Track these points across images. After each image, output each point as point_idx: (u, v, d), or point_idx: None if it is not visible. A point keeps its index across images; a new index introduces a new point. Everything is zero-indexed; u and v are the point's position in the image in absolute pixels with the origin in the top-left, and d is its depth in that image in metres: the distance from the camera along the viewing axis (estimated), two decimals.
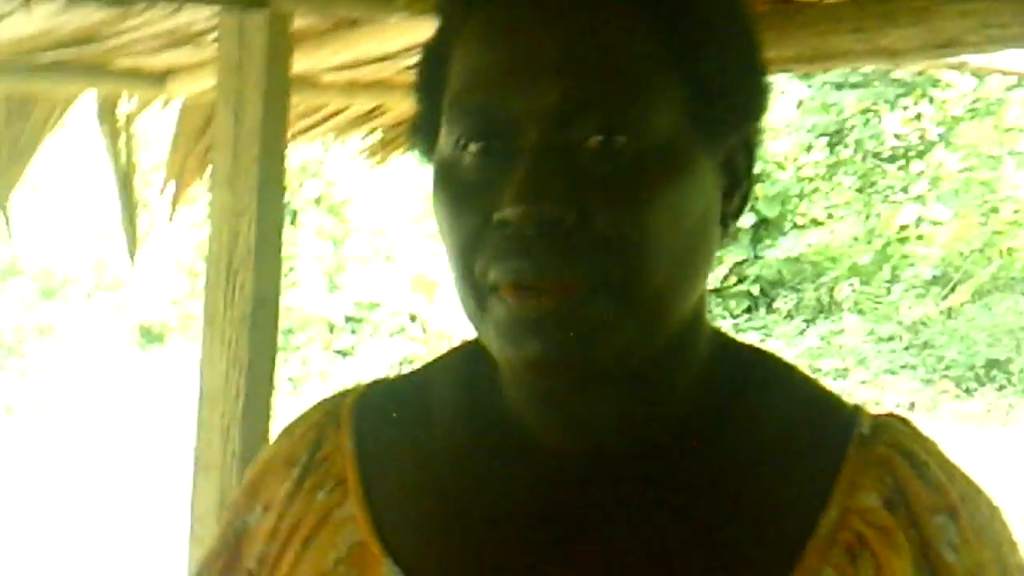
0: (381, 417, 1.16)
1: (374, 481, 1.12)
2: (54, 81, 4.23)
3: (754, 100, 1.07)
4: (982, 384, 13.24)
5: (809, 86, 15.09)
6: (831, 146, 15.63)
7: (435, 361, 1.20)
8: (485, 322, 1.01)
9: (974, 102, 14.99)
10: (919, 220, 14.95)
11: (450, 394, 1.14)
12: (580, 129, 0.97)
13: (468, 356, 1.13)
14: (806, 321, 14.80)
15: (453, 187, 1.01)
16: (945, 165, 15.04)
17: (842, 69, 10.41)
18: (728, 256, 15.02)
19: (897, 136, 15.44)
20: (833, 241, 15.24)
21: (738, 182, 1.07)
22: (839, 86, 14.96)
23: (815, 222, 15.58)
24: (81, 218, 13.39)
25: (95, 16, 3.55)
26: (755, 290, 15.30)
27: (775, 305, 15.20)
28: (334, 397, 1.21)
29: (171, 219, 5.18)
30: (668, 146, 0.99)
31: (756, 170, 1.09)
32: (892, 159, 15.48)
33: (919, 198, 15.12)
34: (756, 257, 15.28)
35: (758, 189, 14.79)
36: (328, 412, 1.19)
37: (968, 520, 1.06)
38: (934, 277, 14.52)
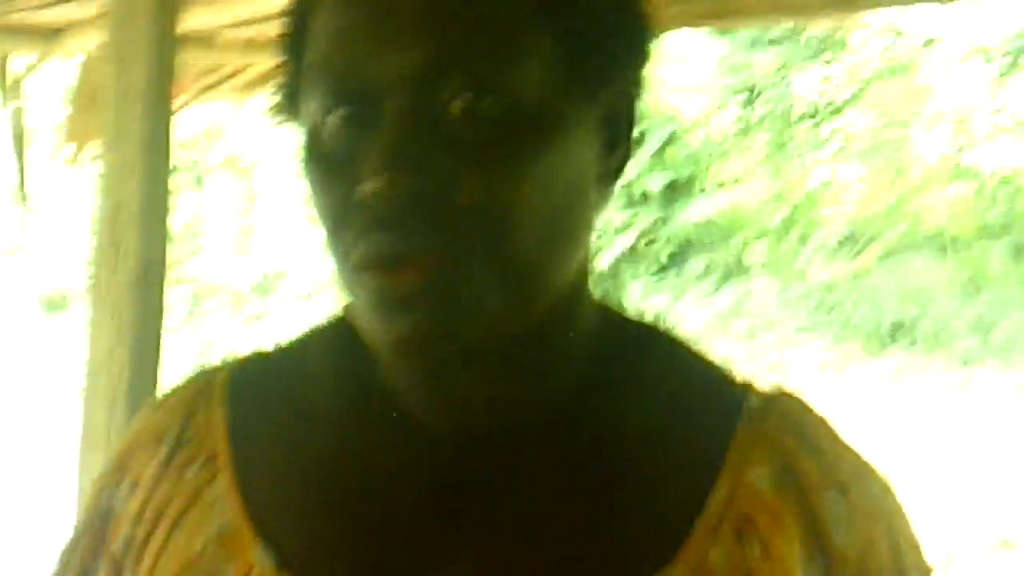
0: (256, 392, 1.12)
1: (247, 459, 1.08)
2: None
3: (633, 51, 1.02)
4: (891, 343, 13.38)
5: (729, 40, 15.09)
6: (744, 105, 15.67)
7: (312, 333, 1.15)
8: (358, 297, 0.97)
9: (886, 61, 15.07)
10: (829, 181, 15.05)
11: (326, 370, 1.10)
12: (445, 91, 0.93)
13: (344, 330, 1.07)
14: (717, 283, 14.87)
15: (319, 159, 0.97)
16: (856, 125, 15.13)
17: (750, 27, 10.46)
18: (639, 218, 15.04)
19: (808, 96, 15.51)
20: (745, 202, 15.30)
21: (619, 136, 1.02)
22: (751, 45, 14.99)
23: (726, 184, 15.64)
24: None
25: None
26: (666, 252, 15.34)
27: (686, 267, 15.25)
28: (207, 371, 1.16)
29: (65, 179, 5.09)
30: (540, 105, 0.94)
31: (637, 123, 1.04)
32: (803, 119, 15.55)
33: (831, 158, 15.21)
34: (667, 219, 15.31)
35: (668, 152, 14.94)
36: (200, 386, 1.14)
37: (858, 496, 1.05)
38: (844, 238, 14.62)
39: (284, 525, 1.04)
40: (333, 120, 0.95)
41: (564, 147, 0.96)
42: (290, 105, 1.03)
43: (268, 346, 1.17)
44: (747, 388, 1.09)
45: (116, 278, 2.74)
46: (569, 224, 0.98)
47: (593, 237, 1.03)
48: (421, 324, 0.93)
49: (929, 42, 13.97)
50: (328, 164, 0.96)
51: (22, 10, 3.88)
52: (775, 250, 14.83)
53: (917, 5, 2.93)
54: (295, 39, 1.01)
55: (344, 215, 0.94)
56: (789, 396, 1.10)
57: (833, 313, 13.87)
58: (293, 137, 1.02)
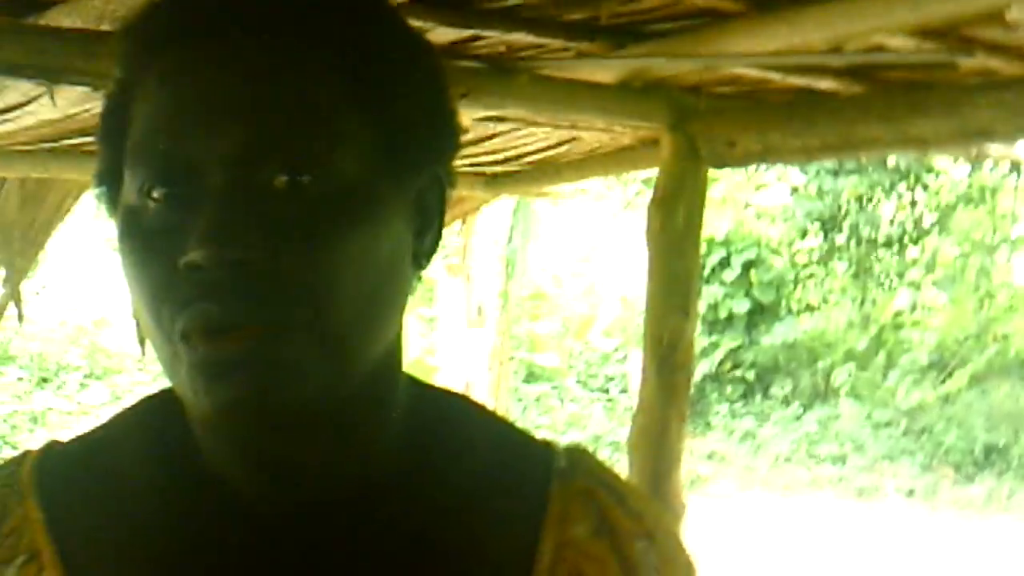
0: (68, 481, 1.10)
1: (71, 551, 1.06)
2: (69, 167, 4.24)
3: (443, 139, 1.07)
4: (981, 469, 13.21)
5: (804, 172, 15.18)
6: (826, 232, 15.70)
7: (122, 415, 1.15)
8: (177, 371, 0.98)
9: (968, 188, 15.08)
10: (914, 306, 15.00)
11: (142, 451, 1.10)
12: (265, 170, 0.95)
13: (158, 408, 1.09)
14: (803, 406, 14.78)
15: (138, 235, 0.98)
16: (940, 251, 15.10)
17: (874, 158, 10.44)
18: (724, 342, 15.04)
19: (892, 222, 15.52)
20: (828, 326, 15.26)
21: (430, 220, 1.06)
22: (834, 173, 15.05)
23: (810, 308, 15.61)
24: (76, 305, 13.38)
25: None
26: (751, 376, 15.30)
27: (771, 391, 15.19)
28: (6, 465, 1.14)
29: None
30: (355, 185, 0.98)
31: (448, 208, 1.08)
32: (887, 245, 15.55)
33: (914, 284, 15.17)
34: (751, 343, 15.29)
35: (752, 275, 14.97)
36: (5, 482, 1.11)
37: (663, 544, 1.12)
38: (930, 362, 14.52)
39: None
40: (156, 197, 0.97)
41: (379, 225, 0.99)
42: (108, 190, 1.04)
43: (77, 429, 1.17)
44: (551, 447, 1.14)
45: None
46: (384, 297, 1.01)
47: (404, 317, 1.06)
48: (242, 391, 0.95)
49: (1015, 166, 13.96)
50: (150, 239, 0.97)
51: None
52: (861, 374, 14.74)
53: None
54: (116, 123, 1.02)
55: (166, 289, 0.96)
56: (587, 453, 1.15)
57: (922, 438, 13.73)
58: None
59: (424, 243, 1.06)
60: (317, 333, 0.96)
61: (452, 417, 1.12)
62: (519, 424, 1.18)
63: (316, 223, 0.96)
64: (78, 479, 1.11)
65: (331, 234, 0.96)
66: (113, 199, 1.03)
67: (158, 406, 1.09)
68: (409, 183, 1.03)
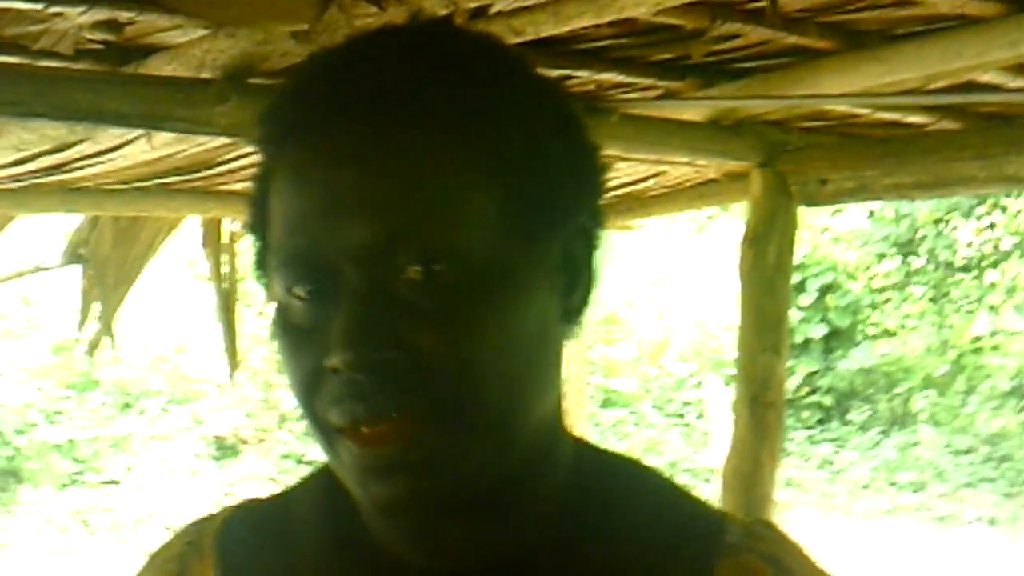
0: (245, 546, 1.13)
1: None
2: (161, 205, 4.30)
3: (583, 190, 1.05)
4: None
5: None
6: (903, 256, 15.57)
7: (297, 486, 1.18)
8: (338, 462, 1.00)
9: None
10: (994, 331, 14.82)
11: (313, 521, 1.12)
12: (396, 263, 0.95)
13: (329, 480, 1.09)
14: (881, 433, 14.64)
15: (287, 331, 1.00)
16: (1020, 275, 14.92)
17: (966, 195, 10.26)
18: (800, 367, 14.93)
19: (970, 245, 15.36)
20: (906, 351, 15.12)
21: (578, 274, 1.04)
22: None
23: (888, 332, 15.48)
24: (157, 330, 13.50)
25: (210, 144, 3.61)
26: (828, 401, 15.18)
27: (848, 416, 15.06)
28: (195, 525, 1.18)
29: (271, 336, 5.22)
30: (489, 264, 0.97)
31: (600, 255, 1.06)
32: (965, 269, 15.39)
33: (993, 308, 14.99)
34: (828, 368, 15.18)
35: (829, 300, 14.88)
36: (191, 541, 1.15)
37: None
38: (1011, 388, 14.34)
39: None
40: (298, 295, 0.98)
41: (520, 298, 0.98)
42: (264, 276, 1.05)
43: (258, 496, 1.20)
44: (724, 519, 1.10)
45: None
46: (535, 370, 1.00)
47: (562, 374, 1.05)
48: (399, 489, 0.96)
49: None
50: (296, 336, 0.99)
51: (245, 179, 4.07)
52: (940, 400, 14.58)
53: None
54: (258, 218, 1.04)
55: (315, 384, 0.97)
56: (766, 526, 1.11)
57: (1003, 466, 13.55)
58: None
59: (574, 298, 1.05)
60: (467, 420, 0.96)
61: (618, 482, 1.10)
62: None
63: (453, 310, 0.96)
64: (253, 542, 1.14)
65: (469, 318, 0.96)
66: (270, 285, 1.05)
67: (330, 479, 1.09)
68: (550, 245, 1.02)
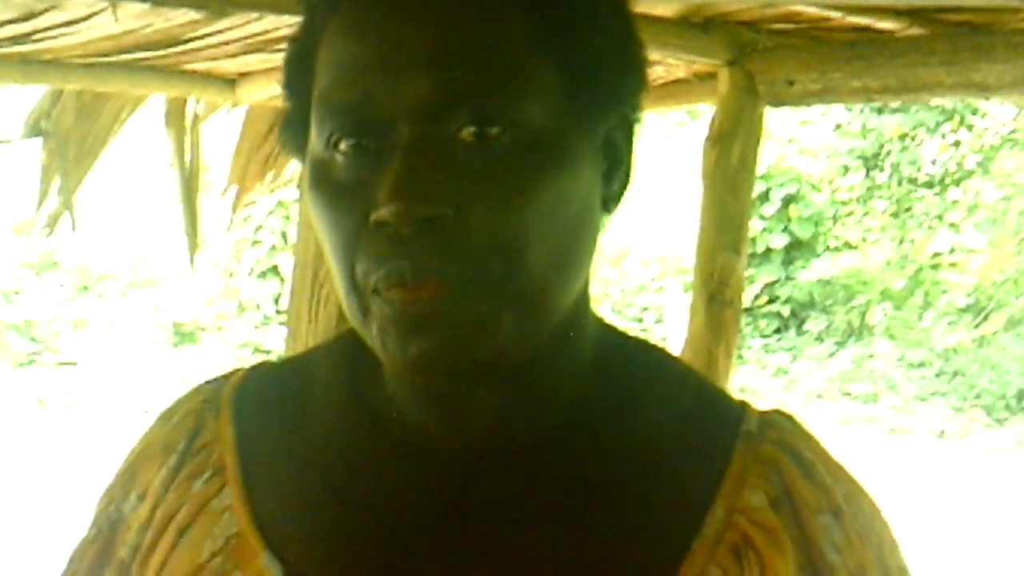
0: (262, 405, 1.14)
1: (254, 471, 1.10)
2: (126, 81, 4.25)
3: (630, 79, 1.05)
4: (1014, 414, 13.19)
5: (848, 109, 15.07)
6: (867, 170, 15.60)
7: (318, 349, 1.18)
8: (368, 322, 0.99)
9: (1012, 132, 14.95)
10: (953, 248, 14.92)
11: (333, 385, 1.12)
12: (452, 122, 0.95)
13: (351, 347, 1.09)
14: (837, 344, 14.77)
15: (327, 187, 0.99)
16: (982, 193, 15.00)
17: (935, 101, 10.25)
18: (760, 276, 15.01)
19: (934, 162, 15.41)
20: (866, 265, 15.21)
21: (618, 162, 1.05)
22: (879, 111, 14.93)
23: (848, 245, 15.56)
24: (121, 216, 13.43)
25: (178, 20, 3.57)
26: (786, 311, 15.28)
27: (805, 327, 15.17)
28: (214, 382, 1.18)
29: (230, 224, 5.20)
30: (543, 133, 0.97)
31: (636, 148, 1.06)
32: (928, 185, 15.45)
33: (954, 226, 15.08)
34: (788, 278, 15.27)
35: (792, 210, 14.91)
36: (207, 398, 1.16)
37: (852, 521, 1.07)
38: (967, 305, 14.47)
39: (291, 536, 1.06)
40: (344, 149, 0.97)
41: (569, 173, 0.99)
42: (296, 138, 1.05)
43: (273, 358, 1.20)
44: (745, 408, 1.11)
45: (313, 327, 2.84)
46: (575, 248, 1.01)
47: (595, 260, 1.05)
48: (435, 344, 0.96)
49: None
50: (339, 193, 0.98)
51: (212, 58, 4.03)
52: (897, 314, 14.70)
53: None
54: (301, 72, 1.03)
55: (357, 242, 0.97)
56: (785, 417, 1.12)
57: (955, 380, 13.71)
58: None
59: (613, 186, 1.05)
60: (510, 288, 0.96)
61: (641, 367, 1.11)
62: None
63: (506, 175, 0.96)
64: (270, 404, 1.14)
65: (521, 186, 0.96)
66: (299, 146, 1.05)
67: (352, 344, 1.09)
68: (597, 126, 1.02)
